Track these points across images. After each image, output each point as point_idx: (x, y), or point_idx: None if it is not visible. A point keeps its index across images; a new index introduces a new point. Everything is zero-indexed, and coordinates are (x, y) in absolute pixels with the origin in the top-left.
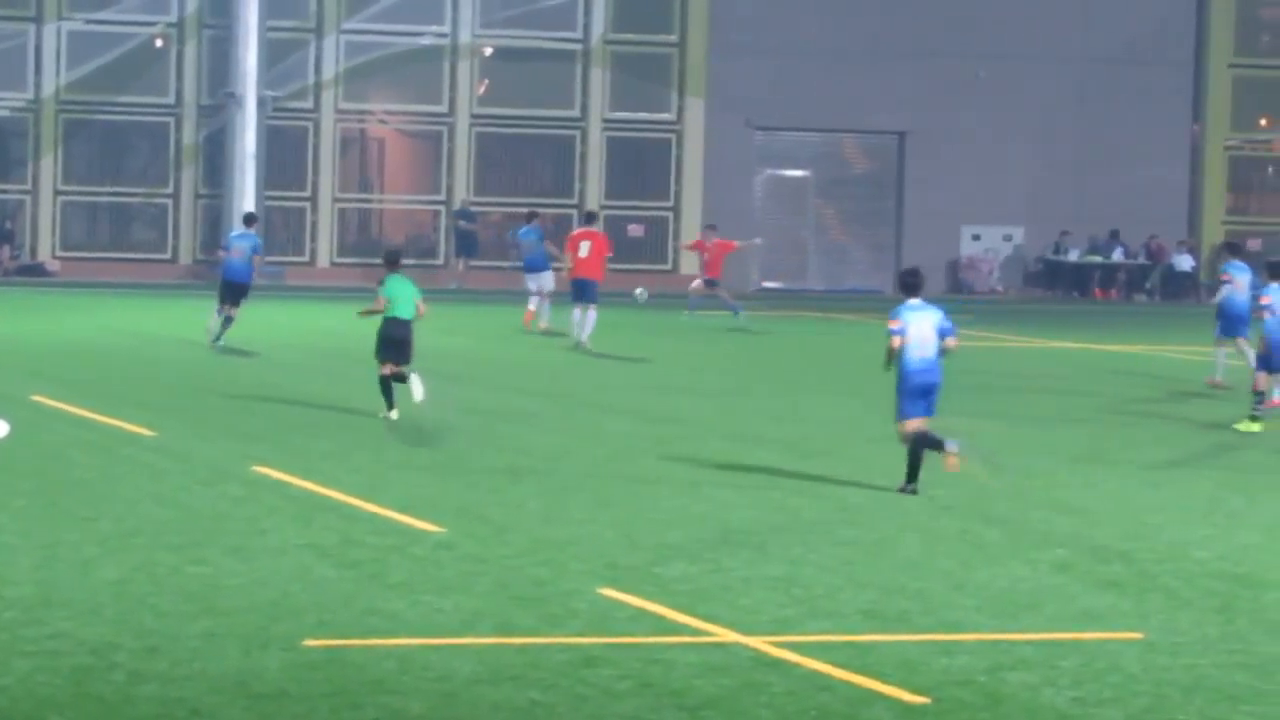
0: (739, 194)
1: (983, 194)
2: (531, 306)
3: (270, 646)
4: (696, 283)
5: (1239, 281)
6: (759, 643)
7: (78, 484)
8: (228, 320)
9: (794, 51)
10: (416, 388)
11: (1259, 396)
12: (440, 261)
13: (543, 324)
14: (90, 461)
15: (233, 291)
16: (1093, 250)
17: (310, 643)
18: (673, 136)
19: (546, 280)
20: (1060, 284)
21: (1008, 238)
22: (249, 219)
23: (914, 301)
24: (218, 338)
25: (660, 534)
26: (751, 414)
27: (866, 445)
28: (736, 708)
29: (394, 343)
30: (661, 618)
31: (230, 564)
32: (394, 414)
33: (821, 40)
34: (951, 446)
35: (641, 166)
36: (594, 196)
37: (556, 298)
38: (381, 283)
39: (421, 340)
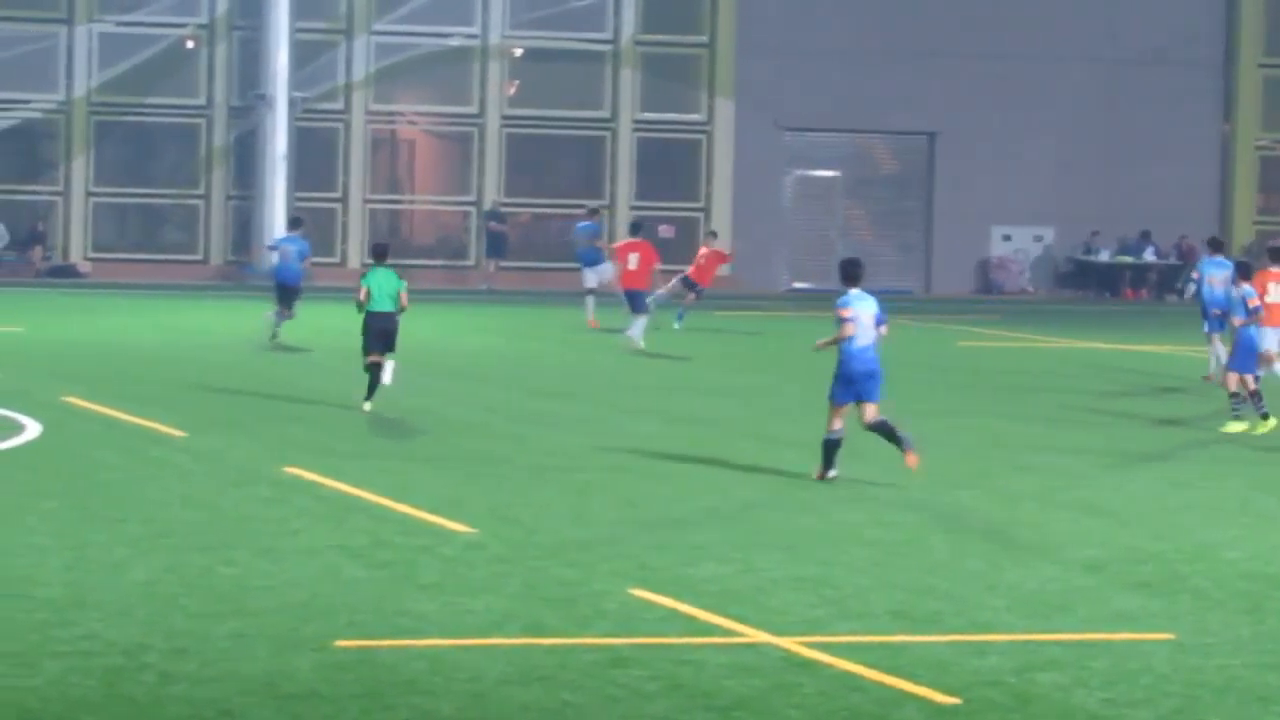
0: (768, 195)
1: (1013, 194)
2: (591, 311)
3: (301, 647)
4: (673, 282)
5: (1212, 277)
6: (789, 643)
7: (108, 485)
8: (280, 317)
9: (823, 52)
10: (386, 372)
11: (1236, 397)
12: (470, 262)
13: (589, 318)
14: (120, 462)
15: (284, 294)
16: (1123, 251)
17: (341, 643)
18: (702, 137)
19: (606, 271)
20: (1091, 284)
21: (1038, 238)
22: (295, 222)
23: (855, 291)
24: (273, 335)
25: (689, 534)
26: (779, 415)
27: (894, 446)
28: (767, 708)
29: (377, 334)
30: (691, 618)
31: (260, 565)
32: (367, 406)
33: (851, 41)
34: (909, 445)
35: (671, 167)
36: (624, 197)
37: (606, 300)
38: (364, 275)
39: (451, 341)
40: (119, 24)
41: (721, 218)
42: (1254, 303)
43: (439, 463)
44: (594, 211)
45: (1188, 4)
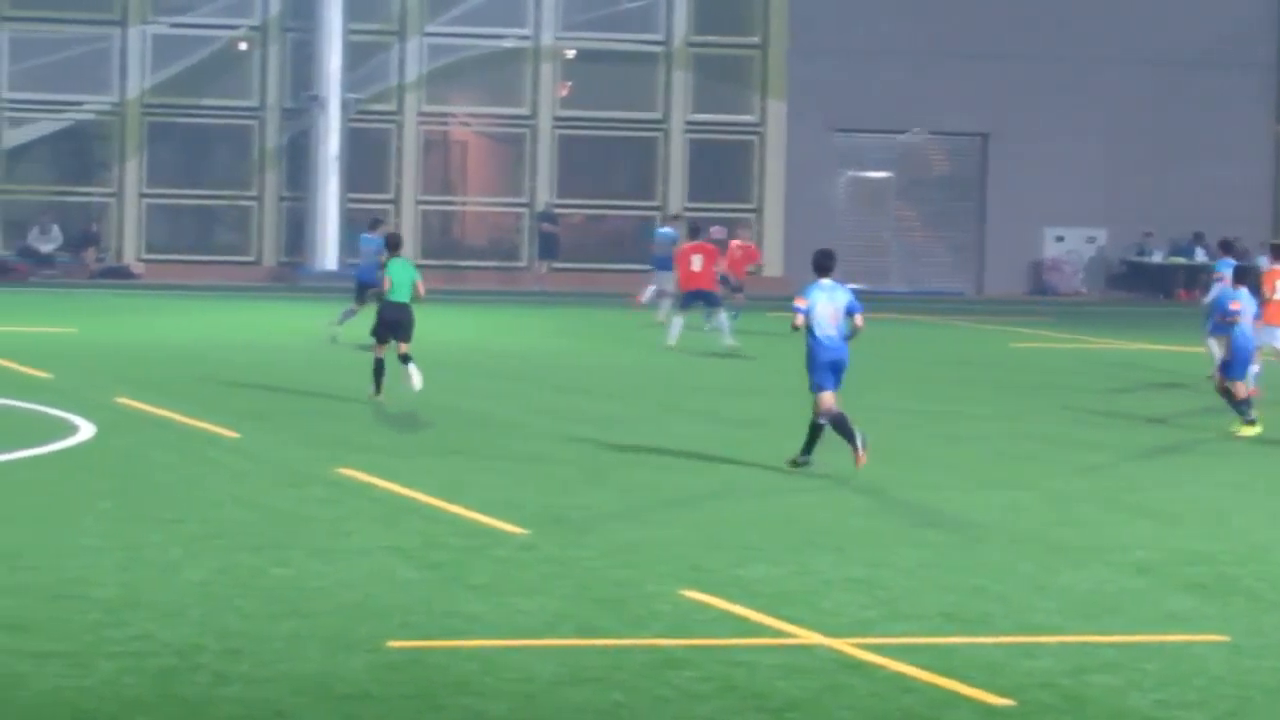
0: (820, 196)
1: (1066, 195)
2: (660, 311)
3: (354, 648)
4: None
5: (1224, 278)
6: (841, 644)
7: (161, 486)
8: (347, 315)
9: (875, 53)
10: (414, 377)
11: (1244, 402)
12: (523, 264)
13: (660, 316)
14: (174, 463)
15: (363, 292)
16: (1175, 252)
17: (393, 644)
18: (755, 138)
19: (668, 281)
20: (1143, 285)
21: (1091, 239)
22: (375, 223)
23: (825, 282)
24: (333, 338)
25: (741, 535)
26: None
27: (945, 447)
28: (819, 710)
29: (390, 324)
30: (744, 619)
31: (314, 566)
32: (380, 397)
33: (903, 41)
34: (860, 444)
35: (723, 169)
36: (676, 199)
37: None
38: (383, 265)
39: (502, 341)
40: (172, 25)
41: (773, 219)
42: (1234, 305)
43: (491, 463)
44: (674, 217)
45: (1239, 4)
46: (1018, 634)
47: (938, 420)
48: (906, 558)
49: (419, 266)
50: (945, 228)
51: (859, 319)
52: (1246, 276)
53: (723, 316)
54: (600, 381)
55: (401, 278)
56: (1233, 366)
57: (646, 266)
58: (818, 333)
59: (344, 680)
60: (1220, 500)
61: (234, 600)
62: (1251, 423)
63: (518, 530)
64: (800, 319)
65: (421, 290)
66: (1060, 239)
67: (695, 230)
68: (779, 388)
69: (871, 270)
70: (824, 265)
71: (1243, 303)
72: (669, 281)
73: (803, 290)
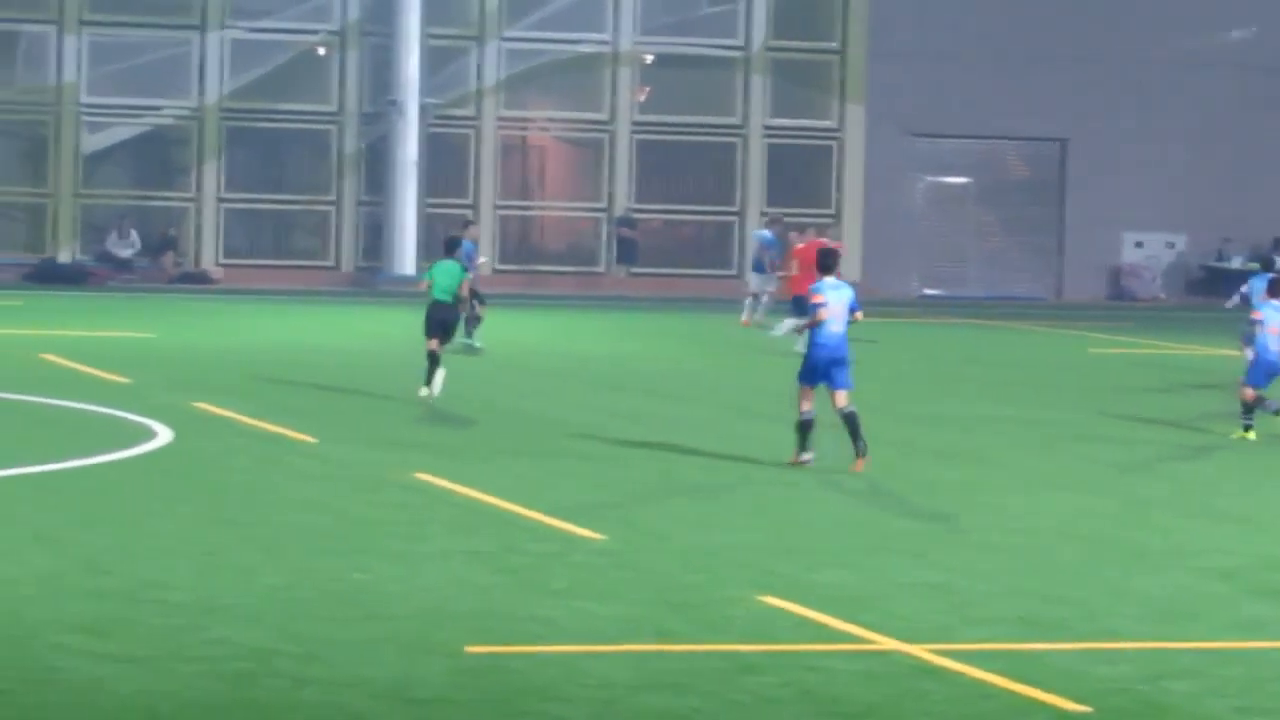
0: (899, 201)
1: (1145, 201)
2: (746, 314)
3: (432, 653)
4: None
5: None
6: (918, 650)
7: (239, 490)
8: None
9: (954, 58)
10: (436, 383)
11: (1246, 408)
12: (601, 269)
13: (759, 317)
14: (251, 468)
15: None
16: (1254, 258)
17: (471, 649)
18: (833, 144)
19: (769, 283)
20: (1222, 291)
21: (1170, 244)
22: (467, 224)
23: (830, 280)
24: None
25: (816, 540)
26: (906, 420)
27: (1024, 453)
28: (897, 716)
29: (436, 323)
30: (820, 625)
31: (391, 570)
32: (424, 391)
33: (981, 46)
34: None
35: (802, 174)
36: (754, 204)
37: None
38: (430, 266)
39: (580, 346)
40: (251, 31)
41: (852, 224)
42: (1255, 315)
43: (567, 468)
44: (775, 220)
45: None
46: (1095, 640)
47: (1014, 425)
48: (982, 562)
49: (503, 271)
50: (1024, 233)
51: (859, 315)
52: (1277, 288)
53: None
54: (676, 385)
55: (447, 278)
56: (1249, 372)
57: (727, 271)
58: (825, 329)
59: (422, 685)
60: None
61: (311, 605)
62: (1249, 427)
63: (594, 535)
64: (824, 313)
65: (464, 290)
66: (1139, 244)
67: (802, 231)
68: (860, 393)
69: (950, 275)
70: (828, 264)
71: (1264, 313)
72: (768, 284)
73: (814, 287)
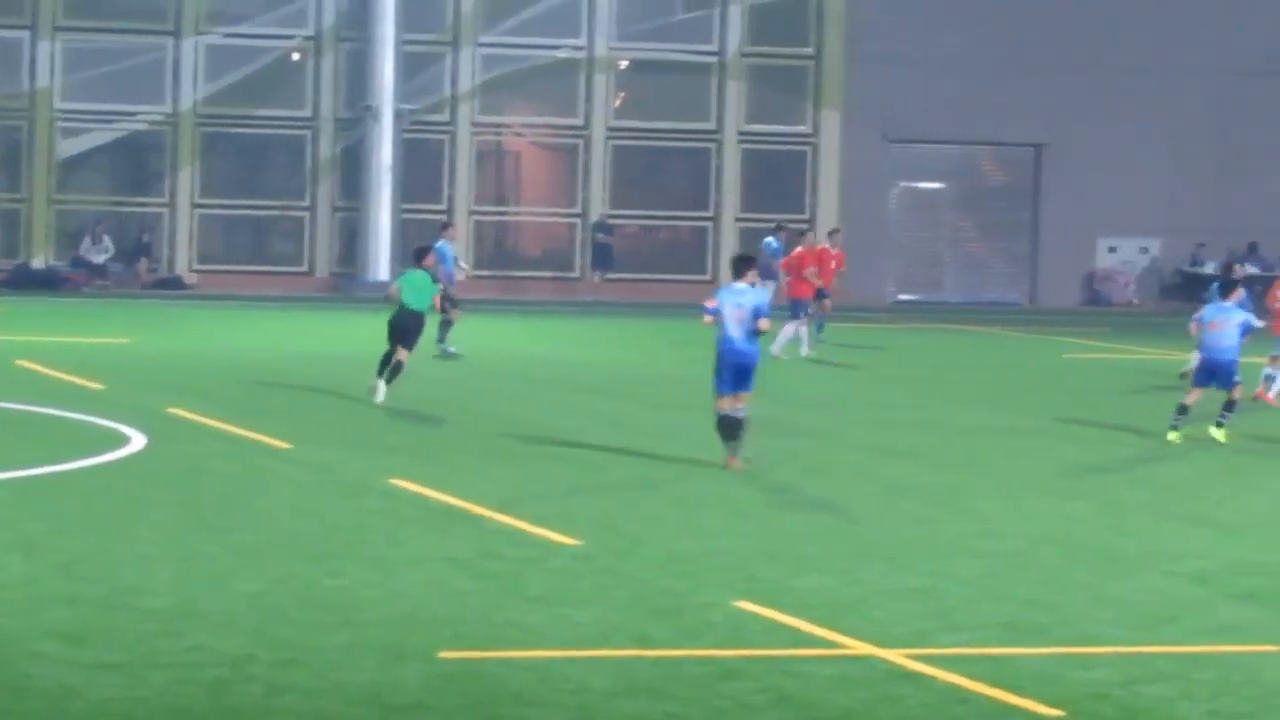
0: (874, 207)
1: (1119, 206)
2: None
3: (407, 658)
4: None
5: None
6: (895, 655)
7: (215, 496)
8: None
9: (930, 64)
10: (382, 389)
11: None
12: (576, 274)
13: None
14: (227, 473)
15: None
16: (1229, 262)
17: (447, 654)
18: (808, 149)
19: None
20: (1197, 296)
21: (1144, 250)
22: (445, 226)
23: (737, 285)
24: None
25: (794, 546)
26: (887, 426)
27: (1005, 458)
28: None
29: (400, 330)
30: (797, 630)
31: (368, 576)
32: (378, 387)
33: (957, 52)
34: (736, 460)
35: (777, 179)
36: (730, 209)
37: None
38: (400, 275)
39: (555, 351)
40: (226, 36)
41: (827, 230)
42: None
43: (545, 472)
44: (780, 228)
45: None
46: (1072, 645)
47: (990, 431)
48: (961, 568)
49: (477, 277)
50: (999, 238)
51: (763, 323)
52: (1229, 290)
53: (789, 326)
54: (653, 391)
55: (413, 294)
56: (1195, 373)
57: (701, 276)
58: (725, 334)
59: (398, 691)
60: (1277, 510)
61: (287, 611)
62: (1175, 428)
63: (572, 541)
64: (708, 319)
65: (438, 304)
66: (1113, 250)
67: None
68: (838, 399)
69: (926, 280)
70: (738, 269)
71: (1207, 310)
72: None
73: (714, 292)
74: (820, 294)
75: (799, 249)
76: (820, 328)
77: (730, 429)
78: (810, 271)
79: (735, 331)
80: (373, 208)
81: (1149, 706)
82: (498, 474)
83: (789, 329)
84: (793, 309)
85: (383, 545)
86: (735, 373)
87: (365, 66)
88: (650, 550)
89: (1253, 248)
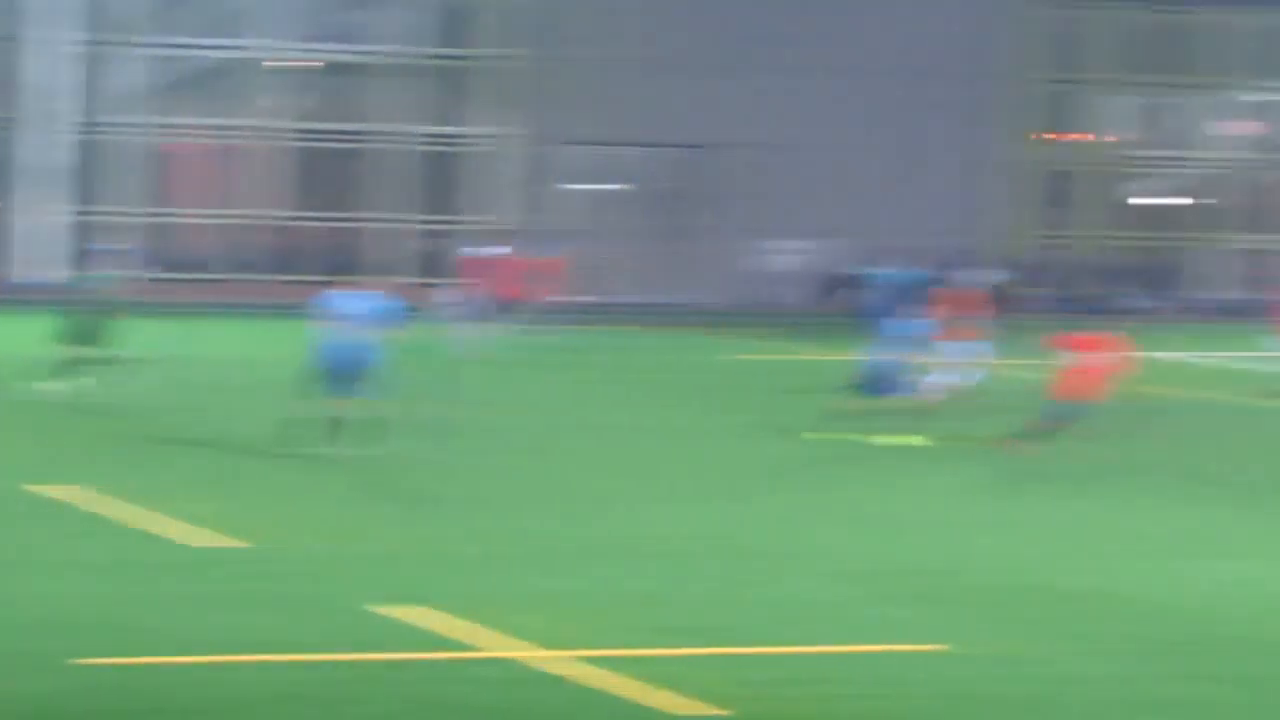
0: (551, 208)
1: (789, 208)
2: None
3: (36, 668)
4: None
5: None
6: (545, 656)
7: None
8: None
9: (608, 67)
10: (55, 386)
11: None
12: (253, 276)
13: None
14: None
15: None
16: (905, 264)
17: (78, 661)
18: (478, 152)
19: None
20: (862, 299)
21: (808, 251)
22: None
23: (355, 291)
24: None
25: (451, 549)
26: (553, 428)
27: (664, 462)
28: None
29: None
30: (441, 635)
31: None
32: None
33: (634, 55)
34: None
35: (449, 182)
36: (405, 212)
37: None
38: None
39: (236, 352)
40: None
41: (506, 233)
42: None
43: (191, 473)
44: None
45: (962, 17)
46: (733, 646)
47: (654, 433)
48: (619, 570)
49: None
50: (673, 239)
51: (394, 329)
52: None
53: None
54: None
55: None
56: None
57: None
58: (330, 339)
59: (23, 700)
60: (936, 509)
61: None
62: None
63: (218, 543)
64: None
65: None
66: (779, 252)
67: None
68: (509, 398)
69: (601, 282)
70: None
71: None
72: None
73: (324, 298)
74: (503, 297)
75: (480, 253)
76: (506, 330)
77: (334, 427)
78: (491, 275)
79: (346, 338)
80: (27, 208)
81: (814, 706)
82: (139, 474)
83: (469, 330)
84: (474, 311)
85: (16, 551)
86: (345, 374)
87: (34, 67)
88: (296, 553)
89: (919, 251)
